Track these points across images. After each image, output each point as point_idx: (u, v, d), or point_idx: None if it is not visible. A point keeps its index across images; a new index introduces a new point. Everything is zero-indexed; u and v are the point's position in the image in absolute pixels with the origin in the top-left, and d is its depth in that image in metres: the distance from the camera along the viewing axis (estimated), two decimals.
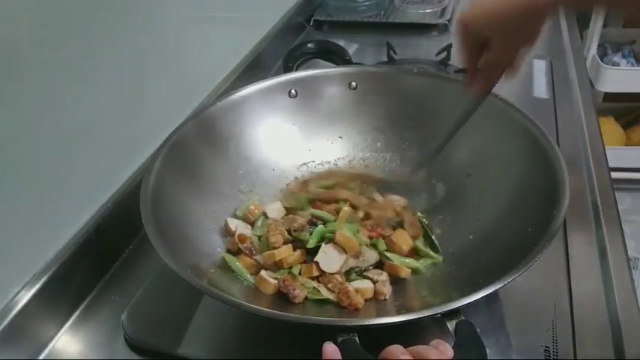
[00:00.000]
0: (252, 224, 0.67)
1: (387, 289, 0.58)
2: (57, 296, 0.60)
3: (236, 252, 0.62)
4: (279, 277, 0.59)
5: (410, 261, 0.61)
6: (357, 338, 0.44)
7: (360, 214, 0.67)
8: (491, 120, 0.69)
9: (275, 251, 0.60)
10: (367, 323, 0.46)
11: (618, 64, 1.90)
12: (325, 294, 0.57)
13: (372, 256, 0.62)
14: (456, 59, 1.08)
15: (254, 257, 0.62)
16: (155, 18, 0.79)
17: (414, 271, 0.61)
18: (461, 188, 0.70)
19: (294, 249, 0.62)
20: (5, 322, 0.54)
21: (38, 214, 0.60)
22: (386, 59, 1.11)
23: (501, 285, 0.46)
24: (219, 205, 0.67)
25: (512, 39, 0.52)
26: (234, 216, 0.68)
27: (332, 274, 0.58)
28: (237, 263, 0.61)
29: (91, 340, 0.60)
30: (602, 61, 1.85)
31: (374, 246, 0.63)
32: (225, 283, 0.58)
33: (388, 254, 0.61)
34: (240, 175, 0.72)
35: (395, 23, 1.31)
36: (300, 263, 0.61)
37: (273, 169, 0.75)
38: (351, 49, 1.17)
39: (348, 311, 0.56)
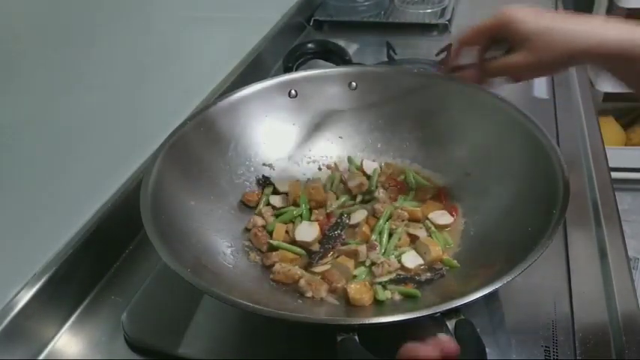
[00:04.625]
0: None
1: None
2: (57, 296, 0.61)
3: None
4: None
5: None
6: (357, 338, 0.44)
7: None
8: (491, 120, 0.69)
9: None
10: (367, 322, 0.45)
11: None
12: None
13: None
14: None
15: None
16: (155, 18, 0.80)
17: None
18: (460, 188, 0.70)
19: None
20: (5, 322, 0.55)
21: (38, 214, 0.60)
22: (386, 59, 1.11)
23: (501, 285, 0.46)
24: (219, 204, 0.67)
25: (542, 61, 0.53)
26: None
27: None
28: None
29: (91, 340, 0.60)
30: None
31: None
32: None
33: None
34: (240, 175, 0.72)
35: (395, 23, 1.31)
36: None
37: (273, 169, 0.75)
38: (351, 49, 1.17)
39: (350, 310, 0.56)
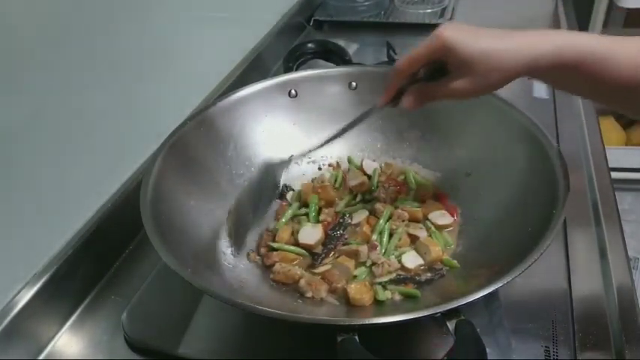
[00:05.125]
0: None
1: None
2: (57, 296, 0.61)
3: None
4: None
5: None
6: (357, 338, 0.44)
7: None
8: (491, 120, 0.69)
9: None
10: (367, 323, 0.45)
11: None
12: None
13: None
14: None
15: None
16: (155, 18, 0.79)
17: None
18: (460, 188, 0.70)
19: None
20: (5, 322, 0.55)
21: (38, 214, 0.60)
22: (386, 59, 1.12)
23: (501, 285, 0.46)
24: (219, 204, 0.67)
25: (488, 83, 0.52)
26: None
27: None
28: None
29: (91, 340, 0.60)
30: None
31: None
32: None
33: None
34: (240, 175, 0.72)
35: (395, 23, 1.31)
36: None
37: None
38: (351, 49, 1.17)
39: (350, 310, 0.56)
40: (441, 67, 0.54)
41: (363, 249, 0.62)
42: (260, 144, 0.75)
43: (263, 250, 0.65)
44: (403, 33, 1.27)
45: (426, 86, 0.56)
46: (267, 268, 0.63)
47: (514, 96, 0.69)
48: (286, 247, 0.64)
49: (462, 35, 0.51)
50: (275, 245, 0.64)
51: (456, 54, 0.51)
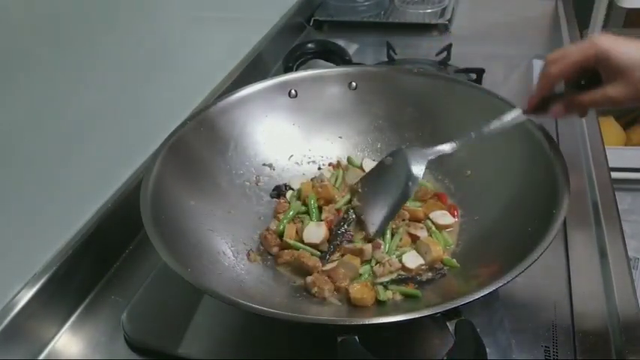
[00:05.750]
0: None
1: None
2: (57, 296, 0.61)
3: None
4: None
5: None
6: (357, 338, 0.44)
7: None
8: (492, 120, 0.69)
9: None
10: (367, 323, 0.45)
11: None
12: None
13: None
14: (458, 60, 1.08)
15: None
16: (155, 18, 0.80)
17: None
18: (460, 188, 0.70)
19: None
20: (5, 322, 0.55)
21: (38, 214, 0.60)
22: (386, 59, 1.12)
23: (501, 285, 0.46)
24: (218, 204, 0.67)
25: None
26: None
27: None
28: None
29: (91, 340, 0.60)
30: None
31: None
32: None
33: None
34: (240, 175, 0.72)
35: (395, 23, 1.31)
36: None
37: (273, 169, 0.75)
38: (351, 49, 1.17)
39: (351, 310, 0.56)
40: (590, 76, 0.54)
41: (367, 247, 0.62)
42: (260, 144, 0.75)
43: (275, 250, 0.65)
44: (403, 33, 1.27)
45: (578, 95, 0.56)
46: (274, 265, 0.63)
47: (514, 96, 0.69)
48: (300, 245, 0.64)
49: (617, 43, 0.52)
50: (290, 242, 0.64)
51: (610, 61, 0.51)
